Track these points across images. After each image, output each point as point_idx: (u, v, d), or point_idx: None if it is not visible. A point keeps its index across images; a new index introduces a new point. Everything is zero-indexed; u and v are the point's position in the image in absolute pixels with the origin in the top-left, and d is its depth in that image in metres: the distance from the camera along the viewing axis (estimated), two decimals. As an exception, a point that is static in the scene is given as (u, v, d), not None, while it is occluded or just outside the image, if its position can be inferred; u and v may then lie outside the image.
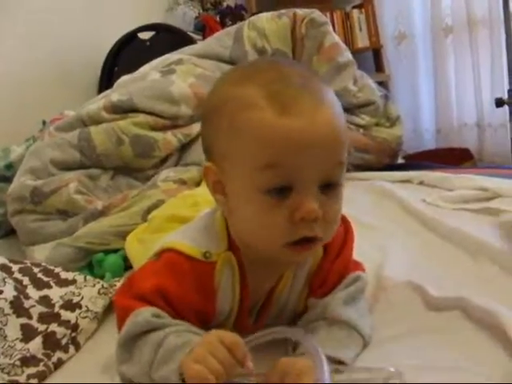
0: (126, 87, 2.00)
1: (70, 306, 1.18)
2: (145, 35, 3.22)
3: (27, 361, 1.02)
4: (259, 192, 0.80)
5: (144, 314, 0.84)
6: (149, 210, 1.55)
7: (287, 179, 0.80)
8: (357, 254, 1.03)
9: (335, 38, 2.16)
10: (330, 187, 0.83)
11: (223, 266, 0.90)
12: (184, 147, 1.91)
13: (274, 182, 0.80)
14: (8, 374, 0.98)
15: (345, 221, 0.99)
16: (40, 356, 1.04)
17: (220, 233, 0.91)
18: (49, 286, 1.24)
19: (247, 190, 0.82)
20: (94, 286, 1.26)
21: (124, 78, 2.16)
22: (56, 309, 1.17)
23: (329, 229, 0.85)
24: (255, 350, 0.80)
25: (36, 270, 1.30)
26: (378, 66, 4.37)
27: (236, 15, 3.78)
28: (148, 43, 3.19)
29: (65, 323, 1.13)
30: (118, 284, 1.29)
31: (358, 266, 1.01)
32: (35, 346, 1.06)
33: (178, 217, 1.22)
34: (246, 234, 0.87)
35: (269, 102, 0.80)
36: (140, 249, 1.28)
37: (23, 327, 1.10)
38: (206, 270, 0.89)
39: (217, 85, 0.92)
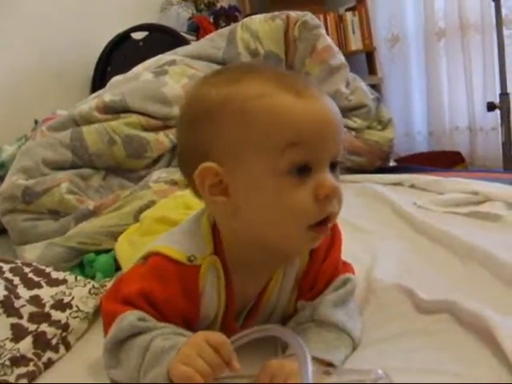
0: (118, 87, 2.00)
1: (60, 305, 1.18)
2: (138, 35, 3.22)
3: (17, 361, 1.01)
4: (280, 175, 0.80)
5: (129, 318, 0.84)
6: (140, 211, 1.54)
7: (307, 157, 0.81)
8: (347, 257, 1.03)
9: (328, 40, 2.17)
10: (334, 166, 0.86)
11: (207, 270, 0.89)
12: (176, 148, 1.91)
13: (295, 161, 0.80)
14: (-3, 373, 0.98)
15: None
16: (30, 356, 1.04)
17: (205, 237, 0.91)
18: (39, 286, 1.24)
19: (265, 177, 0.81)
20: (85, 285, 1.26)
21: (117, 78, 2.16)
22: (46, 308, 1.16)
23: (340, 206, 0.86)
24: (245, 350, 0.80)
25: (27, 269, 1.29)
26: (371, 69, 4.38)
27: (230, 16, 3.78)
28: (141, 43, 3.19)
29: (55, 323, 1.13)
30: (109, 284, 1.29)
31: (347, 267, 1.02)
32: (25, 345, 1.05)
33: (168, 219, 1.22)
34: (261, 229, 0.86)
35: (282, 89, 0.82)
36: (129, 251, 1.27)
37: (13, 327, 1.09)
38: (190, 273, 0.89)
39: (201, 89, 0.89)
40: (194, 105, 0.90)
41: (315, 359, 0.83)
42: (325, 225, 0.85)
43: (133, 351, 0.82)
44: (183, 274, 0.88)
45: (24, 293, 1.19)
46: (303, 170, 0.81)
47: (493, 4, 3.25)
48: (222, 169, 0.83)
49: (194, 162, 0.85)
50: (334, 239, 0.99)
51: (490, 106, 3.34)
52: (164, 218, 1.24)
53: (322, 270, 0.97)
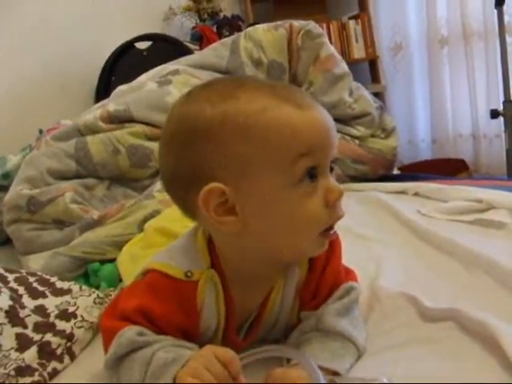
0: (122, 97, 2.01)
1: (65, 315, 1.18)
2: (142, 45, 3.23)
3: (22, 371, 1.02)
4: (294, 185, 0.81)
5: (128, 333, 0.84)
6: (145, 220, 1.55)
7: (315, 163, 0.82)
8: (351, 264, 1.03)
9: (331, 49, 2.17)
10: (331, 168, 0.87)
11: (205, 284, 0.89)
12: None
13: (307, 168, 0.81)
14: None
15: None
16: (35, 366, 1.04)
17: (201, 251, 0.91)
18: (44, 296, 1.24)
19: (279, 190, 0.81)
20: (90, 295, 1.26)
21: (121, 88, 2.17)
22: (51, 318, 1.17)
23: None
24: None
25: (32, 279, 1.30)
26: (374, 77, 4.39)
27: (233, 25, 3.80)
28: (145, 53, 3.20)
29: (60, 333, 1.13)
30: (114, 294, 1.29)
31: (349, 275, 1.01)
32: (30, 355, 1.06)
33: (169, 231, 1.22)
34: (272, 241, 0.85)
35: (282, 102, 0.82)
36: (130, 266, 1.27)
37: (18, 336, 1.09)
38: (188, 289, 0.88)
39: (191, 107, 0.85)
40: (184, 123, 0.85)
41: (320, 368, 0.83)
42: (332, 229, 0.86)
43: (134, 366, 0.82)
44: (180, 290, 0.88)
45: (29, 302, 1.20)
46: (313, 176, 0.82)
47: (495, 11, 3.25)
48: (228, 188, 0.81)
49: (189, 184, 0.84)
50: (334, 247, 0.98)
51: (494, 114, 3.33)
52: (165, 230, 1.24)
53: (323, 279, 0.96)
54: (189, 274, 0.88)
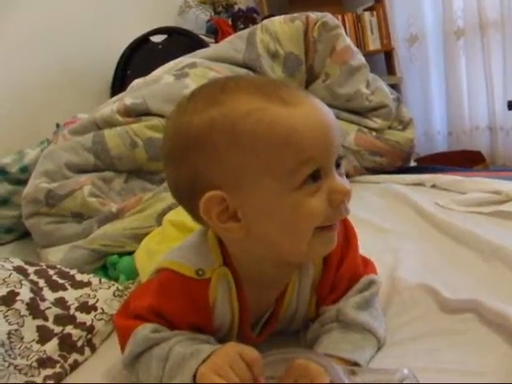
0: (139, 90, 2.01)
1: (85, 308, 1.19)
2: (157, 38, 3.23)
3: (44, 362, 1.03)
4: (295, 189, 0.78)
5: (143, 332, 0.85)
6: (163, 213, 1.55)
7: (318, 166, 0.79)
8: (370, 257, 1.03)
9: (347, 41, 2.17)
10: (338, 162, 0.83)
11: (218, 282, 0.89)
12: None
13: (308, 173, 0.78)
14: (25, 374, 0.99)
15: (345, 221, 0.97)
16: (56, 358, 1.06)
17: (213, 249, 0.90)
18: (64, 288, 1.25)
19: (280, 195, 0.78)
20: (109, 288, 1.27)
21: (137, 82, 2.17)
22: (71, 311, 1.18)
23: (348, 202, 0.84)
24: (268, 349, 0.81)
25: (51, 272, 1.31)
26: (390, 69, 4.38)
27: (248, 18, 3.79)
28: (160, 46, 3.21)
29: (80, 325, 1.15)
30: (133, 287, 1.30)
31: (368, 266, 1.00)
32: (51, 347, 1.07)
33: (185, 225, 1.20)
34: (276, 242, 0.83)
35: (267, 100, 0.79)
36: (146, 262, 1.26)
37: (39, 329, 1.10)
38: (199, 287, 0.88)
39: (180, 119, 0.84)
40: (177, 137, 0.84)
41: (341, 359, 0.83)
42: (331, 228, 0.84)
43: (152, 362, 0.83)
44: (192, 289, 0.88)
45: (49, 295, 1.21)
46: (316, 178, 0.79)
47: (512, 2, 3.23)
48: (227, 195, 0.80)
49: (192, 195, 0.82)
50: (349, 240, 0.97)
51: (511, 105, 3.31)
52: (181, 224, 1.23)
53: (341, 272, 0.95)
54: (200, 272, 0.88)
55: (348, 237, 0.97)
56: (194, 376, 0.77)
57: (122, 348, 0.89)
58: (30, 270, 1.28)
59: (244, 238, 0.83)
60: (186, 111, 0.83)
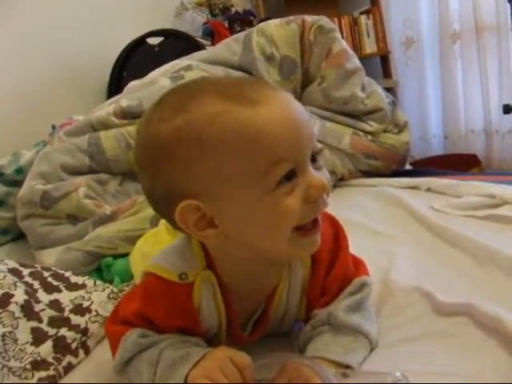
0: (135, 92, 2.02)
1: (79, 310, 1.19)
2: (153, 40, 3.23)
3: (38, 364, 1.03)
4: (270, 192, 0.76)
5: (131, 337, 0.86)
6: (157, 216, 1.54)
7: (292, 165, 0.76)
8: (364, 260, 1.03)
9: (343, 44, 2.17)
10: (314, 157, 0.81)
11: (201, 285, 0.88)
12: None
13: (281, 174, 0.76)
14: (19, 377, 0.99)
15: (334, 223, 0.97)
16: (50, 360, 1.06)
17: (196, 253, 0.89)
18: (59, 290, 1.25)
19: (255, 200, 0.76)
20: (104, 290, 1.27)
21: (133, 84, 2.17)
22: (66, 313, 1.18)
23: (328, 196, 0.82)
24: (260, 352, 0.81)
25: (46, 274, 1.31)
26: (386, 72, 4.38)
27: (244, 21, 3.80)
28: (157, 48, 3.20)
29: (75, 327, 1.15)
30: (127, 289, 1.30)
31: (360, 267, 0.99)
32: (46, 349, 1.07)
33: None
34: (255, 243, 0.82)
35: (231, 102, 0.76)
36: (140, 265, 1.26)
37: (34, 331, 1.10)
38: (183, 291, 0.88)
39: (148, 128, 0.82)
40: (147, 146, 0.81)
41: (333, 362, 0.83)
42: (309, 229, 0.82)
43: (142, 367, 0.83)
44: (175, 293, 0.88)
45: (44, 297, 1.21)
46: (291, 177, 0.77)
47: (508, 6, 3.24)
48: (201, 203, 0.78)
49: (167, 204, 0.81)
50: (339, 241, 0.96)
51: (506, 109, 3.33)
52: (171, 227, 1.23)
53: (332, 275, 0.95)
54: (183, 276, 0.87)
55: (338, 238, 0.96)
56: (185, 380, 0.77)
57: (113, 354, 0.89)
58: (25, 271, 1.28)
59: (224, 242, 0.82)
60: (153, 119, 0.81)
